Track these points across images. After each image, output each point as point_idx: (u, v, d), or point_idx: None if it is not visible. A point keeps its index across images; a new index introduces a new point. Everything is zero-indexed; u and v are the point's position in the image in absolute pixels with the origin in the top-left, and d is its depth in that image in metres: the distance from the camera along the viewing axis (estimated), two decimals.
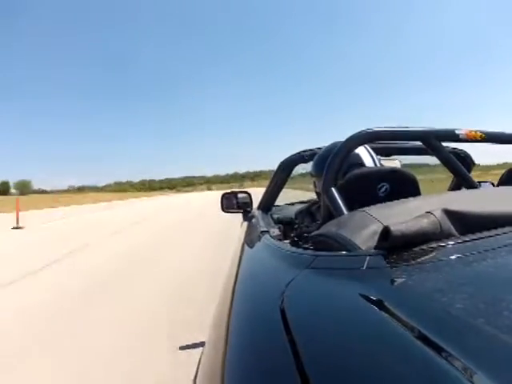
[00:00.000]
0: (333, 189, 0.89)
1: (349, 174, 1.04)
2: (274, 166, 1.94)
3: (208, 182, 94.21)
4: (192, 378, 1.09)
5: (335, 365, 0.37)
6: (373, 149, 1.28)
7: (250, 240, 1.35)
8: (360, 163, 1.19)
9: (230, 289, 0.84)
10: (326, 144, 1.37)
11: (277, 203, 2.10)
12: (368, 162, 1.21)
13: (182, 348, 2.24)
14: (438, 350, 0.32)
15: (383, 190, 1.00)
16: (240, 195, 2.25)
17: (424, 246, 0.51)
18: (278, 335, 0.44)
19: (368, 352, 0.37)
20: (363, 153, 1.23)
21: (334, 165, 0.93)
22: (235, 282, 0.87)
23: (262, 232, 1.23)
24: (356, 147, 0.96)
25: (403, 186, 1.00)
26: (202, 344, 1.92)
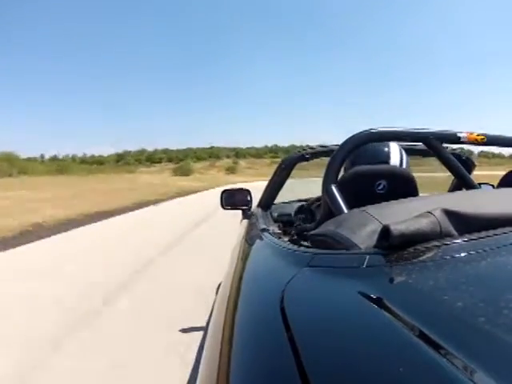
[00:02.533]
0: (333, 187, 0.89)
1: (347, 171, 1.05)
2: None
3: (237, 156, 72.55)
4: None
5: (335, 363, 0.37)
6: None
7: (249, 238, 1.36)
8: (386, 161, 1.18)
9: (229, 286, 0.85)
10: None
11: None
12: (394, 161, 1.20)
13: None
14: (438, 348, 0.32)
15: (380, 187, 1.02)
16: (240, 192, 2.25)
17: (424, 246, 0.51)
18: (278, 333, 0.44)
19: (367, 350, 0.37)
20: (394, 152, 1.22)
21: (335, 164, 0.93)
22: (234, 280, 0.88)
23: (262, 230, 1.23)
24: (357, 147, 0.96)
25: (401, 183, 1.01)
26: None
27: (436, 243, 0.51)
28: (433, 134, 0.98)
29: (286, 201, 2.35)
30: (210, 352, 0.61)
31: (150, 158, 67.32)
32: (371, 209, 0.68)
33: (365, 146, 1.22)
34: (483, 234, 0.53)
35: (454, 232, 0.54)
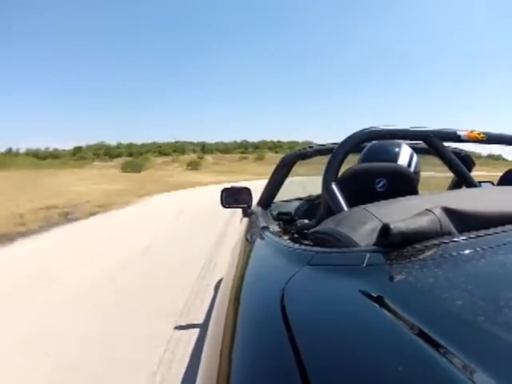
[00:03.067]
0: (333, 185, 0.90)
1: (347, 169, 1.05)
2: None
3: (203, 151, 67.94)
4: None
5: (335, 362, 0.37)
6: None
7: (249, 236, 1.36)
8: (394, 161, 1.17)
9: (229, 285, 0.85)
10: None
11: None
12: (402, 161, 1.19)
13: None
14: (438, 346, 0.33)
15: (380, 185, 1.02)
16: (240, 191, 2.25)
17: (424, 244, 0.51)
18: (279, 332, 0.44)
19: (368, 349, 0.37)
20: (404, 153, 1.22)
21: (335, 162, 0.93)
22: (235, 279, 0.88)
23: (262, 228, 1.23)
24: (356, 146, 0.97)
25: (401, 182, 1.02)
26: None
27: (436, 241, 0.51)
28: (433, 132, 0.99)
29: (286, 199, 2.36)
30: (210, 350, 0.61)
31: (108, 153, 63.79)
32: (371, 207, 0.68)
33: (376, 145, 1.25)
34: (483, 232, 0.54)
35: (454, 230, 0.54)
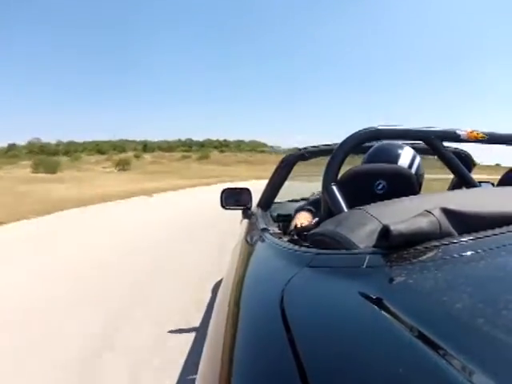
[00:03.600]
0: (333, 186, 0.89)
1: (347, 170, 1.04)
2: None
3: (145, 149, 63.97)
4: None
5: (335, 364, 0.37)
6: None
7: (249, 237, 1.35)
8: (394, 162, 1.17)
9: (229, 286, 0.84)
10: None
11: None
12: (403, 163, 1.18)
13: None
14: (437, 348, 0.32)
15: (380, 187, 1.02)
16: (240, 192, 2.25)
17: (424, 245, 0.51)
18: (278, 333, 0.44)
19: (367, 351, 0.37)
20: (406, 154, 1.21)
21: (335, 163, 0.93)
22: (235, 280, 0.87)
23: (262, 229, 1.22)
24: (357, 147, 0.96)
25: (401, 183, 1.01)
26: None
27: (436, 243, 0.51)
28: (433, 132, 0.98)
29: (286, 200, 2.36)
30: (210, 352, 0.61)
31: (43, 151, 58.53)
32: (370, 208, 0.68)
33: (378, 146, 1.25)
34: (483, 233, 0.53)
35: (454, 232, 0.54)
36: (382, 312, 0.41)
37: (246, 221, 1.92)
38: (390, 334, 0.38)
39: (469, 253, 0.49)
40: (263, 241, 1.06)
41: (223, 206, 2.23)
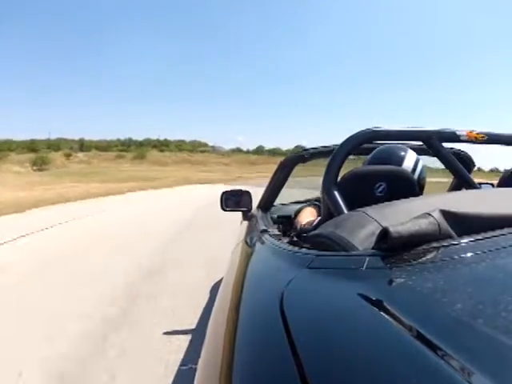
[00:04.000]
0: (332, 188, 0.89)
1: (348, 171, 1.04)
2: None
3: (82, 148, 57.96)
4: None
5: (335, 366, 0.37)
6: (373, 149, 1.28)
7: (249, 239, 1.35)
8: (398, 164, 1.16)
9: (229, 288, 0.84)
10: None
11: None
12: (407, 165, 1.17)
13: None
14: (437, 350, 0.32)
15: (380, 189, 1.01)
16: (240, 194, 2.26)
17: (423, 247, 0.51)
18: (278, 335, 0.44)
19: (367, 352, 0.37)
20: (410, 157, 1.20)
21: (335, 164, 0.93)
22: (234, 282, 0.87)
23: (262, 231, 1.22)
24: (357, 147, 0.96)
25: (402, 186, 1.01)
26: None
27: (435, 245, 0.51)
28: (432, 132, 0.98)
29: (286, 202, 2.36)
30: (209, 353, 0.61)
31: None
32: (370, 210, 0.68)
33: (382, 148, 1.25)
34: (483, 235, 0.53)
35: (453, 233, 0.54)
36: (382, 313, 0.41)
37: (245, 222, 1.93)
38: (389, 335, 0.38)
39: (468, 254, 0.49)
40: (263, 242, 1.06)
41: (223, 208, 2.24)
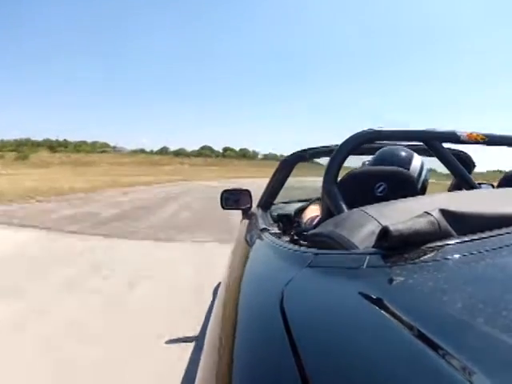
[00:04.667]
0: (333, 187, 0.90)
1: (347, 173, 1.04)
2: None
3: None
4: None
5: (335, 364, 0.37)
6: (373, 149, 1.29)
7: (249, 237, 1.35)
8: (407, 167, 1.17)
9: (229, 286, 0.85)
10: None
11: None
12: (414, 168, 1.18)
13: None
14: (437, 349, 0.32)
15: (381, 189, 1.01)
16: (240, 192, 2.27)
17: (423, 246, 0.51)
18: (278, 334, 0.44)
19: (367, 351, 0.37)
20: (416, 160, 1.21)
21: (335, 164, 0.93)
22: (234, 280, 0.87)
23: (262, 230, 1.23)
24: (356, 147, 0.96)
25: (401, 186, 1.01)
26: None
27: (435, 244, 0.52)
28: (432, 133, 0.98)
29: (286, 201, 2.37)
30: (209, 352, 0.61)
31: None
32: (370, 209, 0.68)
33: (387, 150, 1.26)
34: (482, 234, 0.54)
35: (453, 232, 0.54)
36: (382, 312, 0.41)
37: (245, 221, 1.93)
38: (390, 334, 0.38)
39: (468, 253, 0.49)
40: (263, 241, 1.06)
41: (223, 207, 2.26)
